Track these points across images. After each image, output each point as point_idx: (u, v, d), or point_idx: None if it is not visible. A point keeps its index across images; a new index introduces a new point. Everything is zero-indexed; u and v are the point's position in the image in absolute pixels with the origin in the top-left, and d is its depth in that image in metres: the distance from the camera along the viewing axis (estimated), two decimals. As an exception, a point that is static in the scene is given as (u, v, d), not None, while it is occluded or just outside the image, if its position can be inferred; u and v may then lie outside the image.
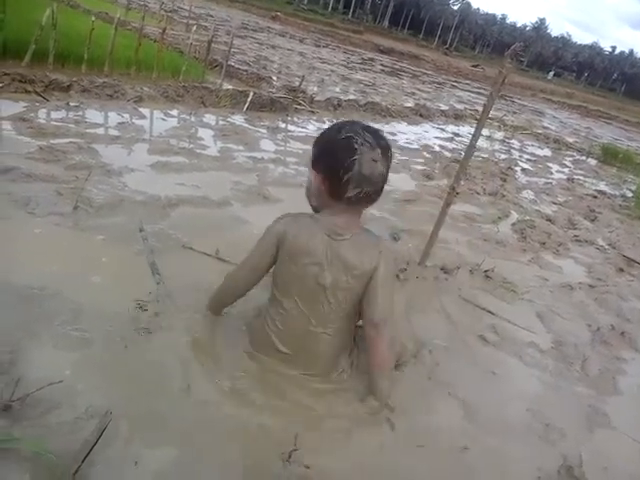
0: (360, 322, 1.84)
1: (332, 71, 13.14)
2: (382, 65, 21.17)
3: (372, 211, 3.67)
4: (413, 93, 12.99)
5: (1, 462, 1.25)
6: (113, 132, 3.93)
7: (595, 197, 6.19)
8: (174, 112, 5.04)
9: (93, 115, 4.24)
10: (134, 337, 1.78)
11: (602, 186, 7.21)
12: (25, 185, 2.64)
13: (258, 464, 1.46)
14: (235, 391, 1.67)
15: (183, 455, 1.42)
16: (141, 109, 4.78)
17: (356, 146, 1.58)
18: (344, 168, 1.57)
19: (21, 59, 4.83)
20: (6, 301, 1.79)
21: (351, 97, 8.72)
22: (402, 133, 7.30)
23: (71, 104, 4.29)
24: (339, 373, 1.83)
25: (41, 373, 1.51)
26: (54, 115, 3.97)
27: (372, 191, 1.63)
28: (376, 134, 1.65)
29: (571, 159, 9.07)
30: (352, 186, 1.60)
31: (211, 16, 20.10)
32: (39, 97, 4.21)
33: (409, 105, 9.64)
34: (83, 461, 1.27)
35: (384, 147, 1.63)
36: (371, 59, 23.02)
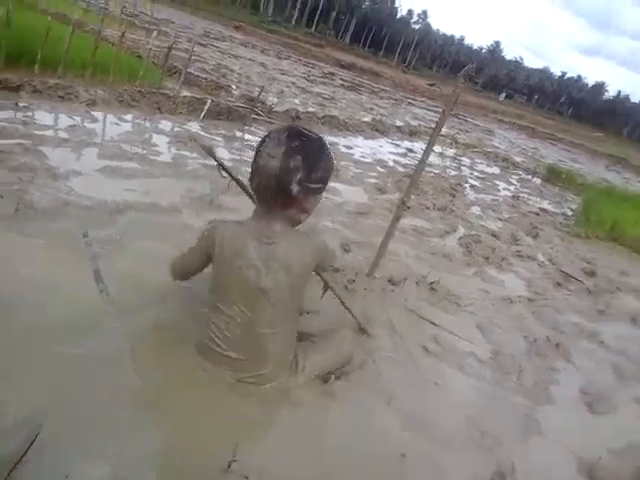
0: None
1: (292, 83, 13.23)
2: (342, 80, 21.46)
3: (325, 222, 3.73)
4: (371, 108, 13.23)
5: None
6: (62, 135, 3.84)
7: (538, 214, 6.45)
8: (128, 117, 4.97)
9: (43, 117, 4.13)
10: (72, 346, 1.73)
11: (545, 204, 7.53)
12: (-36, 186, 2.55)
13: (197, 476, 1.45)
14: (173, 401, 1.66)
15: (116, 470, 1.39)
16: (94, 112, 4.69)
17: (265, 140, 1.70)
18: (254, 157, 1.72)
19: (-31, 57, 4.67)
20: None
21: (310, 109, 8.82)
22: (358, 147, 7.42)
23: (20, 104, 4.17)
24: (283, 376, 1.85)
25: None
26: (1, 115, 3.84)
27: (265, 185, 1.67)
28: (294, 137, 1.68)
29: (517, 177, 9.44)
30: (252, 176, 1.72)
31: (173, 22, 19.90)
32: (-15, 96, 4.08)
33: (366, 120, 9.82)
34: (9, 474, 1.23)
35: (291, 148, 1.65)
36: (332, 73, 23.30)
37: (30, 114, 4.08)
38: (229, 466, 1.45)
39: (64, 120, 4.24)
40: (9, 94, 4.34)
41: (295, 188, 1.67)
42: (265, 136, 1.73)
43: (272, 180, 1.66)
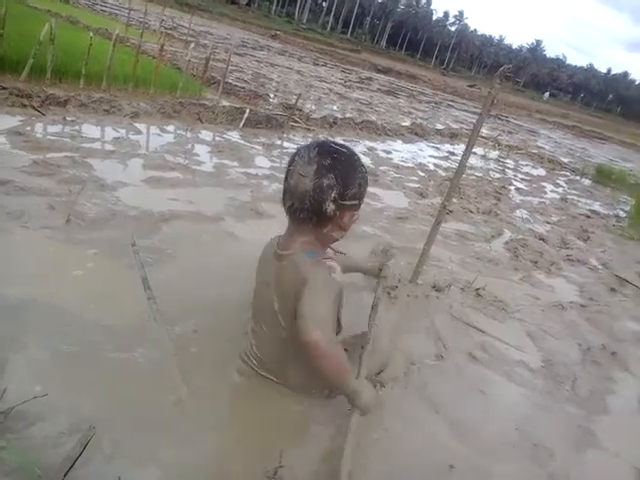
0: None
1: (330, 89, 13.27)
2: (379, 84, 21.40)
3: (364, 228, 3.69)
4: (410, 112, 13.12)
5: (-18, 474, 1.24)
6: (108, 147, 3.95)
7: (588, 217, 6.23)
8: (170, 128, 5.08)
9: (89, 130, 4.27)
10: (122, 352, 1.77)
11: (596, 206, 7.26)
12: (19, 198, 2.65)
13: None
14: (220, 408, 1.66)
15: (166, 473, 1.40)
16: (137, 124, 4.82)
17: (295, 158, 1.63)
18: (284, 177, 1.66)
19: (19, 74, 4.87)
20: (-6, 313, 1.79)
21: (348, 115, 8.81)
22: (397, 151, 7.36)
23: (67, 119, 4.32)
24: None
25: (26, 386, 1.50)
26: (50, 129, 4.00)
27: (298, 206, 1.59)
28: (325, 154, 1.60)
29: (565, 179, 9.15)
30: (285, 196, 1.65)
31: (211, 34, 20.34)
32: (36, 111, 4.24)
33: (405, 124, 9.74)
34: (65, 475, 1.26)
35: (323, 166, 1.57)
36: (369, 78, 23.27)
37: (77, 128, 4.22)
38: (275, 473, 1.44)
39: (109, 132, 4.37)
40: (57, 109, 4.50)
41: (330, 207, 1.59)
42: (294, 154, 1.66)
43: (305, 201, 1.58)
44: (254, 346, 1.76)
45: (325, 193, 1.57)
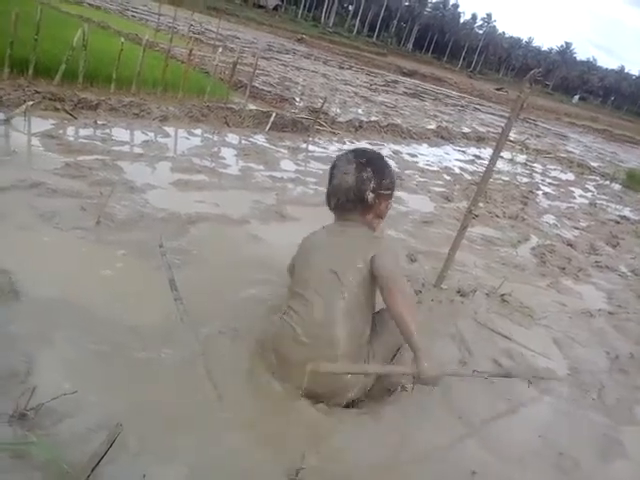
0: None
1: (355, 93, 13.27)
2: (405, 87, 21.31)
3: (390, 232, 3.69)
4: (435, 115, 13.03)
5: (14, 467, 1.28)
6: (137, 150, 4.03)
7: (618, 222, 6.09)
8: (198, 131, 5.15)
9: (119, 133, 4.36)
10: (150, 351, 1.81)
11: (626, 211, 7.10)
12: (51, 200, 2.73)
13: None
14: (246, 408, 1.68)
15: (191, 472, 1.43)
16: (166, 128, 4.90)
17: (335, 164, 1.99)
18: (328, 181, 2.00)
19: (52, 78, 5.00)
20: (27, 311, 1.84)
21: (373, 118, 8.80)
22: (422, 155, 7.32)
23: (98, 122, 4.43)
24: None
25: (56, 383, 1.55)
26: (82, 133, 4.10)
27: (344, 200, 1.93)
28: (360, 154, 1.97)
29: (594, 183, 8.97)
30: (329, 197, 1.99)
31: (238, 38, 20.54)
32: (68, 115, 4.35)
33: (431, 127, 9.68)
34: (92, 472, 1.29)
35: (360, 163, 1.92)
36: (394, 81, 23.20)
37: (107, 131, 4.32)
38: (297, 474, 1.46)
39: (139, 136, 4.46)
40: (88, 112, 4.61)
41: (370, 195, 1.92)
42: (333, 163, 2.00)
43: (350, 193, 1.91)
44: (300, 313, 1.81)
45: (365, 184, 1.91)
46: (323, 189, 3.06)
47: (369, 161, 1.94)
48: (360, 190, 1.91)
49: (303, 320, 1.81)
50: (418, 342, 1.62)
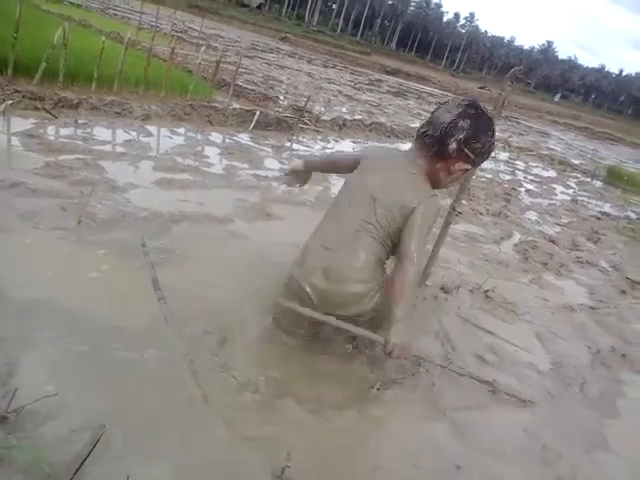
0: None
1: (339, 91, 13.28)
2: (389, 86, 21.37)
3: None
4: (419, 114, 13.09)
5: (-5, 471, 1.26)
6: (119, 149, 3.99)
7: (599, 219, 6.18)
8: (181, 130, 5.12)
9: (101, 132, 4.31)
10: (133, 351, 1.79)
11: (606, 208, 7.21)
12: (31, 200, 2.69)
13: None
14: (231, 409, 1.68)
15: (175, 472, 1.42)
16: (148, 127, 4.86)
17: (448, 101, 2.02)
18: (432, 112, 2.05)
19: (32, 77, 4.93)
20: (7, 312, 1.82)
21: (357, 117, 8.81)
22: (407, 153, 7.34)
23: (79, 121, 4.37)
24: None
25: (37, 385, 1.53)
26: (62, 132, 4.04)
27: (430, 132, 1.95)
28: (473, 106, 1.96)
29: (576, 180, 9.09)
30: (423, 124, 2.02)
31: (221, 37, 20.43)
32: (48, 114, 4.29)
33: (414, 125, 9.72)
34: (75, 473, 1.28)
35: (467, 112, 1.92)
36: (378, 80, 23.24)
37: (89, 130, 4.27)
38: (282, 472, 1.46)
39: (120, 135, 4.41)
40: (69, 112, 4.55)
41: (453, 144, 1.90)
42: (448, 100, 2.04)
43: (438, 129, 1.92)
44: (327, 233, 1.99)
45: (456, 131, 1.90)
46: (307, 187, 3.06)
47: (475, 116, 1.93)
48: (447, 133, 1.90)
49: (331, 229, 1.97)
50: (398, 315, 1.72)
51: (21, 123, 3.96)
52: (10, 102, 4.13)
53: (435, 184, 2.02)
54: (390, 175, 1.98)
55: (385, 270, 2.02)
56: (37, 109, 4.32)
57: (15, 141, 3.54)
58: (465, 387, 2.16)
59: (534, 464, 1.84)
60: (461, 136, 1.89)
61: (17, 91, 4.36)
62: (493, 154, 7.54)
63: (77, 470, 1.29)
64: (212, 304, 2.20)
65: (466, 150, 1.91)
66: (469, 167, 2.01)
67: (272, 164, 4.78)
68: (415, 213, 1.86)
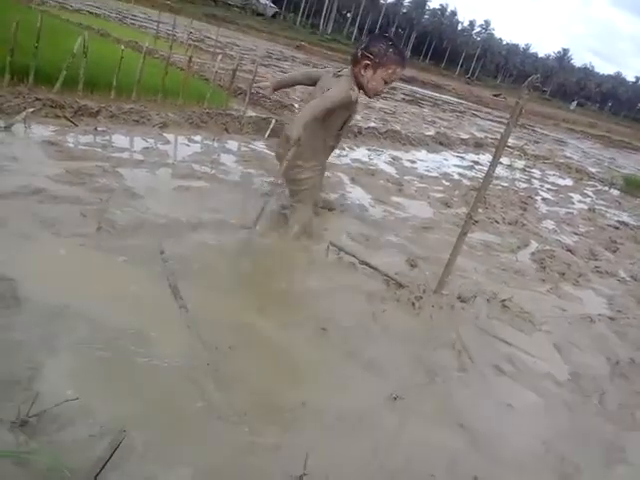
0: None
1: (354, 99, 13.28)
2: (403, 93, 21.36)
3: (389, 237, 3.70)
4: (434, 121, 13.07)
5: (16, 475, 1.28)
6: (138, 156, 4.04)
7: (617, 228, 6.10)
8: (197, 138, 5.17)
9: (119, 140, 4.37)
10: (153, 358, 1.81)
11: (624, 217, 7.12)
12: (51, 206, 2.73)
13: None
14: (251, 416, 1.68)
15: (195, 476, 1.43)
16: (166, 134, 4.91)
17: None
18: None
19: (52, 85, 5.01)
20: (29, 318, 1.84)
21: (372, 125, 8.82)
22: (422, 161, 7.34)
23: (99, 129, 4.44)
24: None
25: (58, 390, 1.55)
26: (82, 139, 4.10)
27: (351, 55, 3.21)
28: (380, 33, 3.44)
29: (593, 189, 8.99)
30: None
31: (237, 45, 20.61)
32: (68, 122, 4.36)
33: (429, 133, 9.71)
34: (95, 478, 1.29)
35: (371, 35, 3.42)
36: (393, 87, 23.23)
37: (108, 138, 4.33)
38: (300, 479, 1.46)
39: (139, 142, 4.46)
40: (89, 119, 4.62)
41: (358, 52, 3.06)
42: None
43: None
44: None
45: (361, 45, 3.10)
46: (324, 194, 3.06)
47: (373, 35, 3.32)
48: (356, 48, 3.14)
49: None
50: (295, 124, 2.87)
51: (42, 130, 4.03)
52: (31, 110, 4.20)
53: (360, 86, 3.10)
54: (334, 79, 3.17)
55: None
56: (57, 117, 4.40)
57: (36, 148, 3.60)
58: (483, 398, 2.15)
59: (553, 477, 1.81)
60: (362, 46, 3.05)
61: (38, 99, 4.43)
62: (508, 162, 7.49)
63: (97, 475, 1.30)
64: (232, 313, 2.22)
65: (367, 54, 3.00)
66: (369, 63, 3.01)
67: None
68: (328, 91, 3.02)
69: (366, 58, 3.00)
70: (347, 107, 3.11)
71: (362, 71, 3.03)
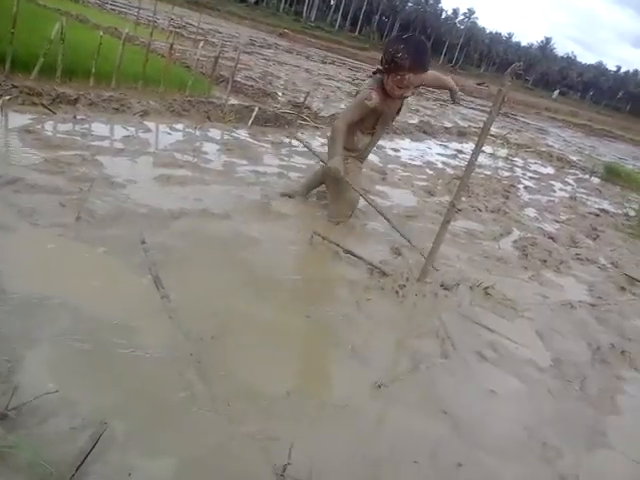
0: None
1: (337, 87, 13.25)
2: (387, 82, 21.31)
3: (373, 225, 3.70)
4: (417, 110, 13.06)
5: (-5, 470, 1.26)
6: (118, 145, 3.97)
7: (597, 215, 6.18)
8: (179, 126, 5.10)
9: (99, 128, 4.29)
10: (134, 349, 1.79)
11: (605, 205, 7.21)
12: (29, 196, 2.68)
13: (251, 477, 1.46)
14: (235, 406, 1.67)
15: (177, 469, 1.42)
16: (147, 123, 4.84)
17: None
18: None
19: (29, 72, 4.90)
20: (7, 310, 1.81)
21: (356, 113, 8.77)
22: (405, 149, 7.34)
23: (78, 117, 4.35)
24: None
25: (38, 382, 1.52)
26: (60, 128, 4.02)
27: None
28: (398, 35, 3.33)
29: (574, 177, 9.09)
30: None
31: (219, 32, 20.37)
32: (46, 110, 4.27)
33: (413, 122, 9.71)
34: (77, 471, 1.28)
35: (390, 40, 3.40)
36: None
37: (87, 126, 4.25)
38: (284, 470, 1.46)
39: (119, 131, 4.39)
40: (67, 107, 4.53)
41: (383, 59, 3.18)
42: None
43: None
44: None
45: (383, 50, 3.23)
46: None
47: (390, 38, 3.43)
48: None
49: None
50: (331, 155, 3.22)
51: (19, 119, 3.94)
52: (7, 97, 4.11)
53: (385, 89, 3.24)
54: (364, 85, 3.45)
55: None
56: (35, 105, 4.30)
57: (13, 137, 3.52)
58: (466, 385, 2.17)
59: (536, 462, 1.84)
60: (382, 55, 3.17)
61: (14, 86, 4.33)
62: (491, 150, 7.52)
63: (78, 468, 1.28)
64: (215, 302, 2.20)
65: (382, 58, 3.14)
66: (381, 69, 3.20)
67: (271, 160, 4.77)
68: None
69: (381, 64, 3.17)
70: (372, 110, 3.29)
71: (387, 77, 3.19)
